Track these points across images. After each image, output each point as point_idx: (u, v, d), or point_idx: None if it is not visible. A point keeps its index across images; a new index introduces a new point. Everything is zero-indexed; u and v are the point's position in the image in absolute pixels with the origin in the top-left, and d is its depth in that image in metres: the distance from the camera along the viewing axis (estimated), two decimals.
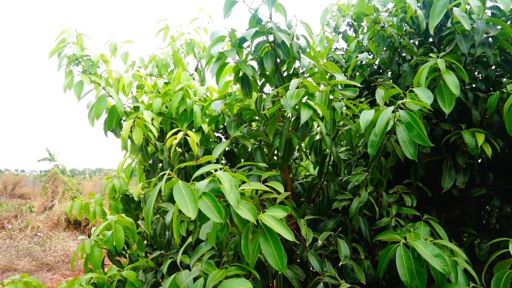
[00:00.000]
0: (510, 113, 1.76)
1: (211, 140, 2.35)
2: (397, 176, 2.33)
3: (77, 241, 7.78)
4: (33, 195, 12.86)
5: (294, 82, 1.53)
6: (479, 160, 2.29)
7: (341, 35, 2.76)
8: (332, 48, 2.84)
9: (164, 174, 1.16)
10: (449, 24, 2.09)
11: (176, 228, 1.18)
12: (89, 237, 2.19)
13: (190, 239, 1.52)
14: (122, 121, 2.09)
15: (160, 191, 1.22)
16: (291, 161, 2.41)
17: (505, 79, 2.33)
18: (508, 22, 2.27)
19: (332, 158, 1.98)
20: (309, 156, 2.24)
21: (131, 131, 1.97)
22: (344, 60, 2.79)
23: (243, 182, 1.39)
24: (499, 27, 1.98)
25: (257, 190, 1.51)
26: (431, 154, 2.19)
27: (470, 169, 2.12)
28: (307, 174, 2.67)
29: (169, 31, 2.95)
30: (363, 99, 2.24)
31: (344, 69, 2.77)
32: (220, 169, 1.32)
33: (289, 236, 1.22)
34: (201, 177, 1.38)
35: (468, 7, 2.02)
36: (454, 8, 1.88)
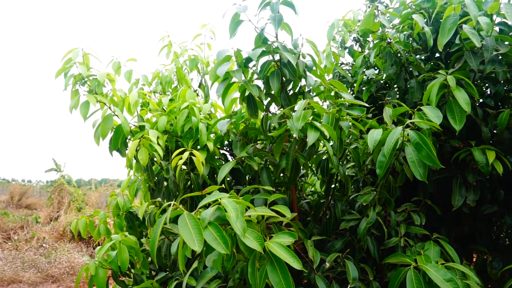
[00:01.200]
0: None
1: (216, 157, 2.33)
2: (405, 193, 2.29)
3: (82, 252, 7.77)
4: (39, 205, 12.89)
5: (301, 103, 1.51)
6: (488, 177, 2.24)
7: (347, 50, 2.75)
8: (339, 63, 2.83)
9: (170, 204, 1.14)
10: (457, 41, 2.07)
11: (181, 258, 1.16)
12: (94, 249, 2.18)
13: (195, 264, 1.49)
14: (127, 140, 2.08)
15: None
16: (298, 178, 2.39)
17: None
18: None
19: (339, 177, 1.94)
20: (316, 173, 2.21)
21: (136, 151, 1.96)
22: (350, 75, 2.77)
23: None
24: (507, 43, 1.95)
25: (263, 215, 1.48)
26: (440, 171, 2.15)
27: (481, 186, 2.07)
28: (313, 190, 2.63)
29: (172, 47, 2.96)
30: (369, 115, 2.21)
31: (350, 83, 2.75)
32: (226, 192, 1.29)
33: (296, 265, 1.20)
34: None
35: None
36: (464, 25, 1.86)
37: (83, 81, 1.93)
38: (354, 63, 2.71)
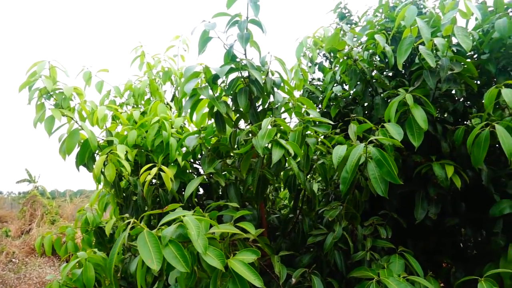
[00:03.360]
0: (474, 147, 1.81)
1: (188, 171, 2.33)
2: (374, 206, 2.34)
3: (55, 267, 7.47)
4: (10, 218, 12.29)
5: (265, 121, 1.55)
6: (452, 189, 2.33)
7: (317, 66, 2.83)
8: (309, 79, 2.90)
9: (129, 222, 1.14)
10: (417, 60, 2.17)
11: (140, 277, 1.15)
12: (67, 262, 2.10)
13: (156, 285, 1.48)
14: (95, 155, 2.05)
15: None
16: (268, 192, 2.41)
17: (474, 109, 2.42)
18: (475, 56, 2.38)
19: (306, 192, 1.98)
20: (284, 189, 2.24)
21: (104, 165, 1.93)
22: (320, 90, 2.84)
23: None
24: (463, 63, 2.06)
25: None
26: (405, 185, 2.22)
27: (442, 199, 2.16)
28: (285, 204, 2.66)
29: (145, 58, 2.95)
30: (338, 130, 2.27)
31: (321, 98, 2.82)
32: (192, 209, 1.30)
33: (258, 283, 1.21)
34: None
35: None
36: (420, 46, 1.96)
37: (48, 94, 1.90)
38: (324, 79, 2.79)
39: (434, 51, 2.06)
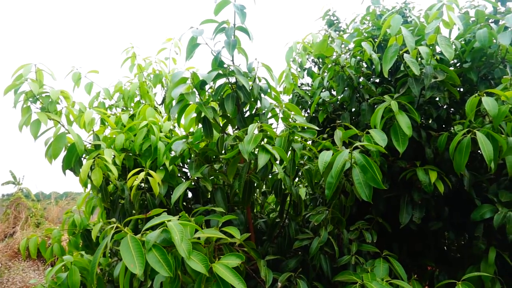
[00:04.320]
0: (456, 153, 1.86)
1: (178, 175, 2.33)
2: (361, 211, 2.38)
3: (39, 271, 7.34)
4: None
5: (252, 126, 1.56)
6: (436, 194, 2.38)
7: (306, 71, 2.86)
8: (299, 83, 2.93)
9: (113, 227, 1.14)
10: (402, 67, 2.22)
11: (123, 282, 1.15)
12: (51, 266, 2.08)
13: None
14: (82, 159, 2.04)
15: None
16: (256, 197, 2.43)
17: (457, 116, 2.48)
18: (458, 64, 2.45)
19: (293, 197, 2.00)
20: (271, 194, 2.26)
21: (91, 170, 1.93)
22: (309, 95, 2.88)
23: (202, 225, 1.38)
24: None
25: None
26: (390, 190, 2.27)
27: (426, 204, 2.20)
28: (273, 208, 2.68)
29: (136, 60, 2.94)
30: (325, 135, 2.31)
31: (310, 103, 2.85)
32: (179, 215, 1.31)
33: (241, 287, 1.22)
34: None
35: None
36: (405, 54, 2.01)
37: (35, 98, 1.88)
38: (313, 84, 2.83)
39: (419, 59, 2.12)
